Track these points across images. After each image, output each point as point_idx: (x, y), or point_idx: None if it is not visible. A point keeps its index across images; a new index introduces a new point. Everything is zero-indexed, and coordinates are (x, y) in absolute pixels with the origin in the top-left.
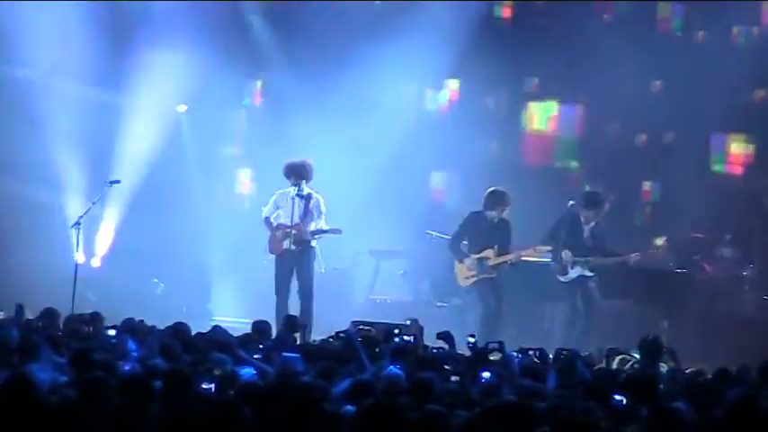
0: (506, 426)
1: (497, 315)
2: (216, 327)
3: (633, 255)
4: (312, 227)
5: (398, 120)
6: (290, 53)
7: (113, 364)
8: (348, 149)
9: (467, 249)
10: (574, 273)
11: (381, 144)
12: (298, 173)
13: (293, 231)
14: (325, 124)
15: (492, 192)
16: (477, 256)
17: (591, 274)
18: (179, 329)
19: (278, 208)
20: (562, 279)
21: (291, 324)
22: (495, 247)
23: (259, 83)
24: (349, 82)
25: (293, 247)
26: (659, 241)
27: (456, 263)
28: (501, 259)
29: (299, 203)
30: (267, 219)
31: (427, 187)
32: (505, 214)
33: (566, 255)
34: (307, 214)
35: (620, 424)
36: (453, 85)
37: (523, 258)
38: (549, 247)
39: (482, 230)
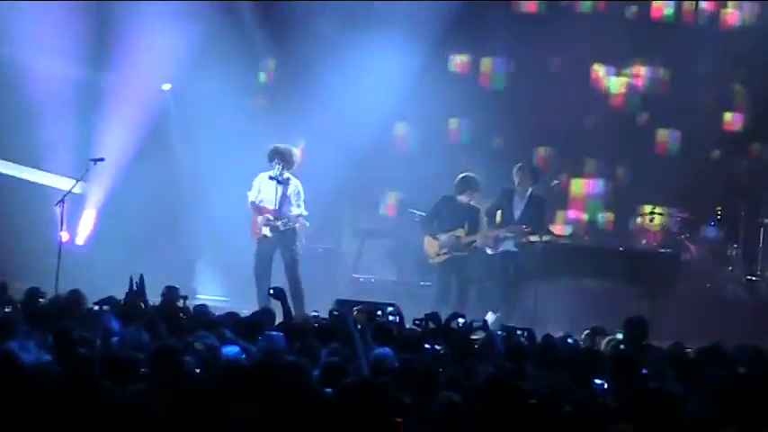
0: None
1: (464, 294)
2: (202, 305)
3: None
4: (292, 213)
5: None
6: (280, 36)
7: (96, 342)
8: (335, 130)
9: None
10: (503, 247)
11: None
12: (282, 158)
13: (273, 221)
14: (312, 104)
15: (462, 177)
16: (450, 234)
17: (515, 249)
18: (167, 309)
19: (260, 191)
20: (490, 252)
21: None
22: (466, 225)
23: (247, 63)
24: (339, 63)
25: (270, 234)
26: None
27: (426, 239)
28: (470, 238)
29: (277, 188)
30: (253, 203)
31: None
32: (473, 200)
33: (499, 231)
34: (284, 200)
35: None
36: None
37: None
38: (513, 233)
39: (453, 214)
